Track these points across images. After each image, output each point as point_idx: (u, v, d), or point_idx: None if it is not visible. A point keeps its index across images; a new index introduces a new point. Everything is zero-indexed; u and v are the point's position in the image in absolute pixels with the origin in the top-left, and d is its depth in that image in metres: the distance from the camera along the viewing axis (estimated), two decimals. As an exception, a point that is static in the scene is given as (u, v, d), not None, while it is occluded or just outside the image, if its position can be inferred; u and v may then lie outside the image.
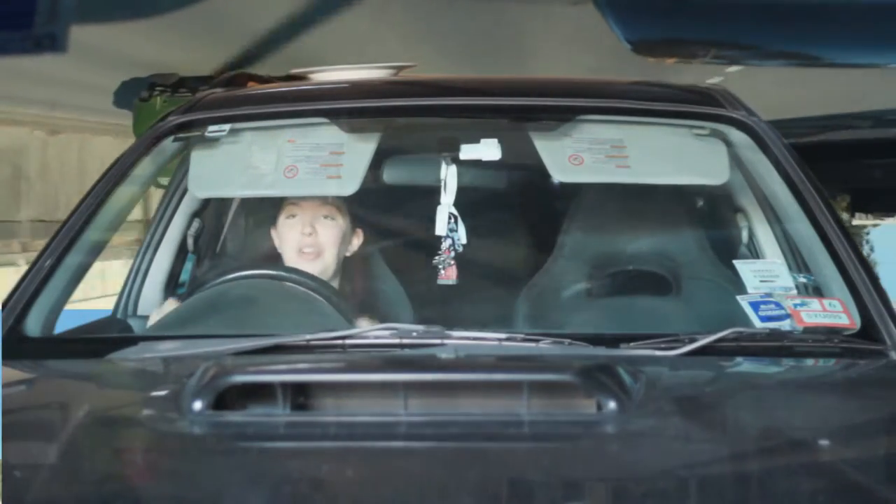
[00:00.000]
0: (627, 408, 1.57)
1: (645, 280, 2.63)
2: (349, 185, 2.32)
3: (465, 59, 7.81)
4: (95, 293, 3.90)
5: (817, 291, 2.17)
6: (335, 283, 2.51)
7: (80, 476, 1.49)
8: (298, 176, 2.31)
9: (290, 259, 2.51)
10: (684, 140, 2.40)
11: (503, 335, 1.93)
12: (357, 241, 2.59)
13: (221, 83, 2.81)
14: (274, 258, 2.56)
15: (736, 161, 2.41)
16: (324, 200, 2.53)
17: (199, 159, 2.44)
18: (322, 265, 2.49)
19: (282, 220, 2.55)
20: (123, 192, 2.37)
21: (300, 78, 2.87)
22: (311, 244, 2.49)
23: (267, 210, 2.67)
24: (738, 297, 2.08)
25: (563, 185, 2.61)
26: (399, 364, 1.81)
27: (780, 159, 2.33)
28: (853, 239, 2.18)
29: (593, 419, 1.58)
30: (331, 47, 6.85)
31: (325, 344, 1.92)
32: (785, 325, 2.02)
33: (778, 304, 2.05)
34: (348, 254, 2.57)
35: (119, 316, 2.82)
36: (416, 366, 1.76)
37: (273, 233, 2.59)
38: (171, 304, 2.53)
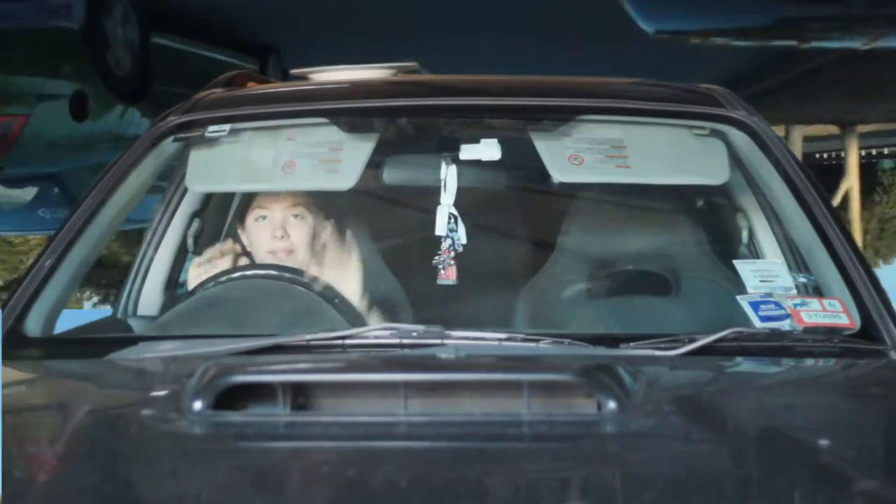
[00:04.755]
0: (627, 408, 1.57)
1: (645, 280, 2.63)
2: (347, 179, 2.32)
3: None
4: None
5: (817, 291, 2.17)
6: None
7: (81, 476, 1.49)
8: (296, 171, 2.31)
9: (262, 260, 2.49)
10: (684, 140, 2.41)
11: (503, 335, 1.93)
12: (326, 234, 2.59)
13: (221, 83, 2.80)
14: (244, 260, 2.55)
15: (736, 161, 2.41)
16: (293, 202, 2.51)
17: (199, 159, 2.44)
18: (295, 262, 2.48)
19: (250, 221, 2.53)
20: (123, 192, 2.37)
21: (300, 78, 2.87)
22: (283, 247, 2.48)
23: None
24: (738, 297, 2.08)
25: (563, 185, 2.61)
26: (399, 364, 1.81)
27: (780, 159, 2.33)
28: (853, 238, 2.18)
29: (593, 419, 1.58)
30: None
31: (325, 344, 1.92)
32: (785, 325, 2.02)
33: (778, 304, 2.05)
34: (319, 248, 2.57)
35: (119, 316, 2.82)
36: (416, 366, 1.76)
37: (240, 231, 2.57)
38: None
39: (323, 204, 2.57)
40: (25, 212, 6.90)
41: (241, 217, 2.59)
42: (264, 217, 2.51)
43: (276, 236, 2.48)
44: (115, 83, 6.56)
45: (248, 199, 2.57)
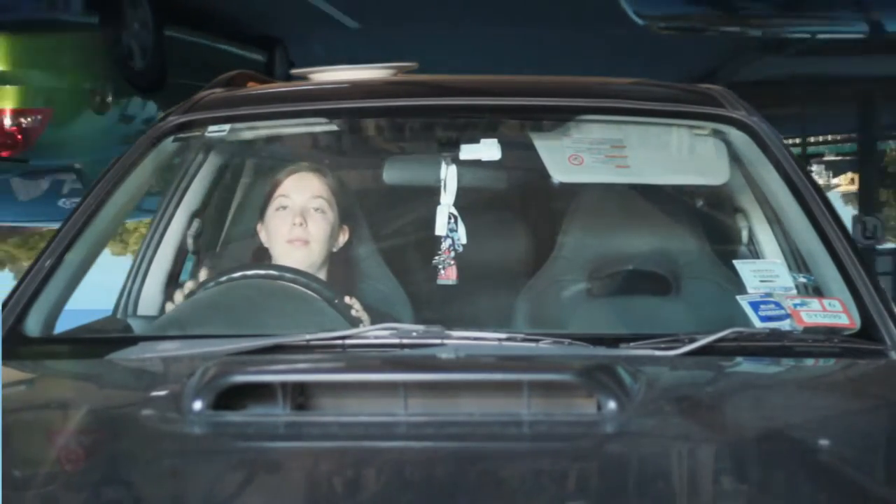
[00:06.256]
0: (627, 408, 1.57)
1: (645, 280, 2.63)
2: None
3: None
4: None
5: (817, 291, 2.17)
6: (322, 276, 2.50)
7: (81, 476, 1.49)
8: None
9: (279, 251, 2.49)
10: (684, 140, 2.41)
11: (503, 335, 1.93)
12: (343, 238, 2.59)
13: (221, 83, 2.80)
14: (261, 255, 2.56)
15: (736, 161, 2.41)
16: (314, 193, 2.52)
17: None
18: (310, 256, 2.47)
19: (271, 212, 2.53)
20: (123, 192, 2.37)
21: (300, 78, 2.87)
22: (301, 235, 2.48)
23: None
24: (738, 297, 2.08)
25: (563, 185, 2.61)
26: (399, 364, 1.81)
27: (780, 159, 2.33)
28: (853, 238, 2.18)
29: (593, 419, 1.58)
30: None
31: (325, 344, 1.92)
32: (785, 325, 2.02)
33: (778, 304, 2.05)
34: (335, 249, 2.56)
35: (119, 316, 2.82)
36: (416, 366, 1.76)
37: (259, 227, 2.57)
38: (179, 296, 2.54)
39: (343, 205, 2.57)
40: (47, 202, 6.98)
41: (260, 213, 2.58)
42: (284, 207, 2.51)
43: (295, 223, 2.47)
44: (132, 76, 6.66)
45: (270, 193, 2.56)
